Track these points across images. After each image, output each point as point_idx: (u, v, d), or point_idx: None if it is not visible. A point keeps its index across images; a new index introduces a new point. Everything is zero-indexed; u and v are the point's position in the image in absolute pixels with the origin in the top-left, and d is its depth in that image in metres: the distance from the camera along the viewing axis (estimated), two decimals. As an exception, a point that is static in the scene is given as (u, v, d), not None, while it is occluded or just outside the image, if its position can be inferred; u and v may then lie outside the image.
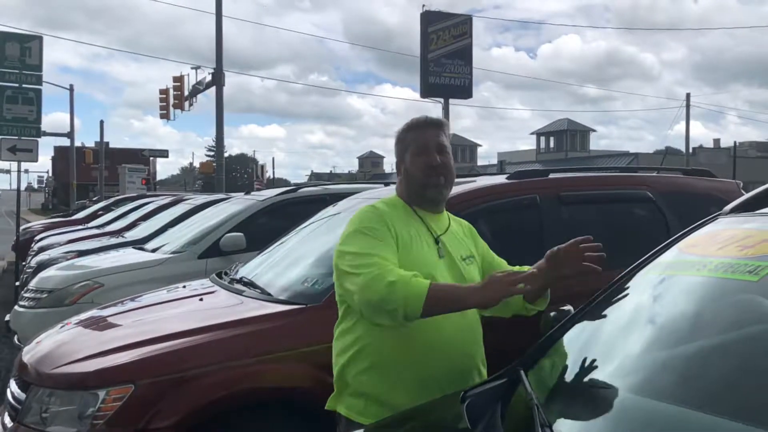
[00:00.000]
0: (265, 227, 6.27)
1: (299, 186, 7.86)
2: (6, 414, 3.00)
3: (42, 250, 9.36)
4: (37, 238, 11.77)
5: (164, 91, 24.15)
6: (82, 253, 7.81)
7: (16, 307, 6.07)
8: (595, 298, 2.09)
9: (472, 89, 29.63)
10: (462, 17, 29.88)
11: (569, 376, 1.87)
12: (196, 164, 61.43)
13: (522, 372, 1.86)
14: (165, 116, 24.25)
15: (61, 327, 3.59)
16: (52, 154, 66.48)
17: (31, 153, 12.57)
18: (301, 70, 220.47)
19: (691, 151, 36.23)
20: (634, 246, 2.60)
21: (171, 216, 9.15)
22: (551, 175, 4.05)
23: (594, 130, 55.38)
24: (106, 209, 15.96)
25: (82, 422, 2.70)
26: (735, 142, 38.96)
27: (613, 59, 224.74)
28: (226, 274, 4.21)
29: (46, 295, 5.75)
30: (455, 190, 3.66)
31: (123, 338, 3.11)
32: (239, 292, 3.64)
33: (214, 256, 6.09)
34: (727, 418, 1.35)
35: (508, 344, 2.49)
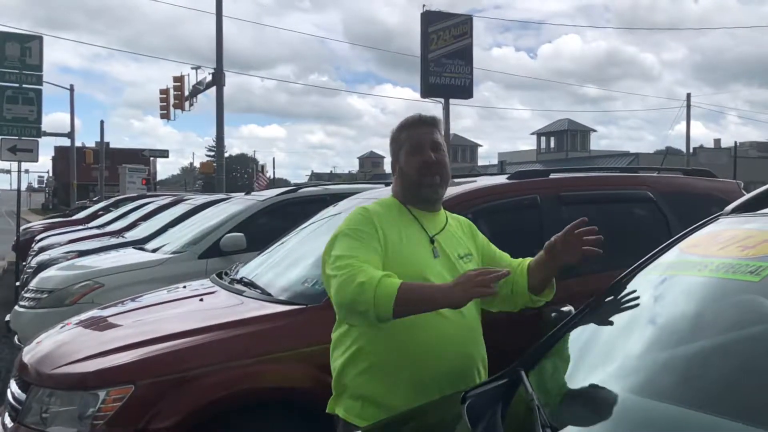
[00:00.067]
0: (266, 227, 6.26)
1: (299, 186, 7.86)
2: (6, 414, 2.99)
3: (42, 250, 9.36)
4: (38, 238, 11.77)
5: (164, 91, 24.16)
6: (82, 253, 7.81)
7: (16, 307, 6.07)
8: (596, 299, 2.09)
9: (472, 89, 29.60)
10: (462, 17, 29.84)
11: (570, 377, 1.87)
12: (197, 164, 61.48)
13: (523, 372, 1.86)
14: (165, 116, 24.27)
15: (62, 327, 3.59)
16: (53, 154, 66.49)
17: (31, 153, 12.57)
18: (301, 70, 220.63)
19: (691, 151, 36.23)
20: (634, 246, 2.60)
21: (171, 216, 9.15)
22: (552, 176, 4.05)
23: (594, 130, 55.51)
24: (107, 209, 15.97)
25: (82, 422, 2.70)
26: (735, 143, 39.01)
27: (613, 59, 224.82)
28: (226, 274, 4.21)
29: (46, 295, 5.75)
30: (456, 190, 3.67)
31: (123, 338, 3.11)
32: (239, 293, 3.64)
33: (215, 256, 6.09)
34: (729, 419, 1.35)
35: (508, 344, 2.48)
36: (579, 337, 1.99)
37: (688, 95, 37.17)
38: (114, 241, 9.25)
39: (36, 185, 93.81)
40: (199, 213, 8.13)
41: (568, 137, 51.31)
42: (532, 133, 56.51)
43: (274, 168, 66.20)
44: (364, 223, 2.20)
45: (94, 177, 38.56)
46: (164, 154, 38.74)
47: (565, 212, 3.70)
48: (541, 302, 2.34)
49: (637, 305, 1.95)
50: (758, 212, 1.98)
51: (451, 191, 3.44)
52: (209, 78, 20.91)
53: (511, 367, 1.94)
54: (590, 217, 2.23)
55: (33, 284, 6.11)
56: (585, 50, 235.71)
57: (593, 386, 1.72)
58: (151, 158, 39.09)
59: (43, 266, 7.41)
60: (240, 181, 72.53)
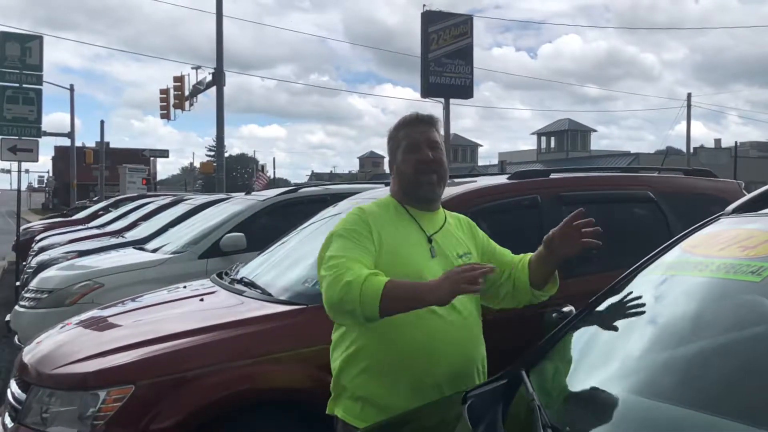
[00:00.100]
0: (266, 227, 6.26)
1: (299, 186, 7.86)
2: (6, 414, 2.99)
3: (42, 250, 9.36)
4: (38, 238, 11.76)
5: (165, 91, 24.14)
6: (82, 253, 7.81)
7: (16, 308, 6.07)
8: (597, 299, 2.08)
9: (472, 89, 29.56)
10: (462, 17, 29.81)
11: (571, 377, 1.87)
12: (197, 164, 61.36)
13: (523, 373, 1.85)
14: (165, 116, 24.24)
15: (62, 327, 3.59)
16: (53, 154, 66.59)
17: (31, 153, 12.60)
18: (301, 70, 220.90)
19: (692, 151, 36.22)
20: (635, 246, 2.59)
21: (171, 216, 9.14)
22: (552, 176, 4.05)
23: (595, 130, 55.55)
24: (107, 209, 15.97)
25: (82, 423, 2.70)
26: (736, 142, 38.94)
27: (613, 59, 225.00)
28: (226, 274, 4.21)
29: (46, 295, 5.74)
30: (456, 190, 3.67)
31: (123, 338, 3.11)
32: (240, 293, 3.64)
33: (215, 256, 6.08)
34: (729, 419, 1.34)
35: (508, 344, 2.48)
36: (580, 337, 1.99)
37: (689, 95, 37.21)
38: (114, 241, 9.24)
39: (36, 185, 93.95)
40: (199, 213, 8.12)
41: (568, 137, 51.31)
42: (533, 133, 56.58)
43: (274, 168, 66.33)
44: (358, 223, 2.19)
45: (94, 177, 38.51)
46: (164, 154, 38.75)
47: (565, 212, 3.65)
48: (545, 297, 2.32)
49: (638, 305, 1.94)
50: (759, 212, 1.98)
51: (452, 191, 3.44)
52: (209, 78, 20.89)
53: (512, 367, 1.94)
54: (591, 217, 2.23)
55: (33, 284, 6.11)
56: (585, 50, 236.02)
57: (594, 386, 1.72)
58: (152, 158, 39.06)
59: (43, 266, 7.41)
60: (240, 181, 72.50)
